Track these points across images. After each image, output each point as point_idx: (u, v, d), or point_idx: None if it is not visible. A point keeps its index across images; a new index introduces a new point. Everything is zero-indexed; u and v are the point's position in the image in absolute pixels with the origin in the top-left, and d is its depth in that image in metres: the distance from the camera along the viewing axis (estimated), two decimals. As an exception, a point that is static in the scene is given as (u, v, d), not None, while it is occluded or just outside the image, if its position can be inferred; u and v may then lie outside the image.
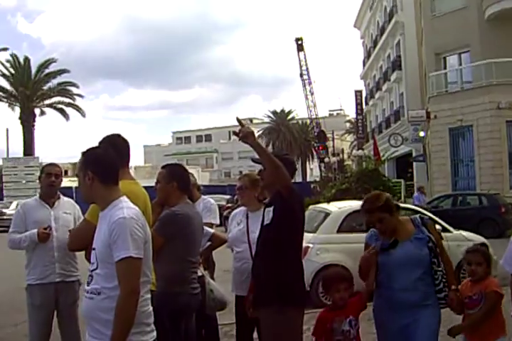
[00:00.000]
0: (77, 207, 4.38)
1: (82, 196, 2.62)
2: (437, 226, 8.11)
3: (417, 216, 3.48)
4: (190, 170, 4.94)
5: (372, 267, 3.28)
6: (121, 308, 2.30)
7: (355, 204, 8.93)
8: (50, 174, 4.21)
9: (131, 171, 4.39)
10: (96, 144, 3.17)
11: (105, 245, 2.38)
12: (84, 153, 2.64)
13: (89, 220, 3.02)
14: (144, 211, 3.05)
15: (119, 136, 3.42)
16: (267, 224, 3.32)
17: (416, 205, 13.65)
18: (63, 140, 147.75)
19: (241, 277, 4.03)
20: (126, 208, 2.45)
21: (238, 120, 3.19)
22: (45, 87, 37.90)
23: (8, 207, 23.97)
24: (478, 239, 8.71)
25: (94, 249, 2.47)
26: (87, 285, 2.46)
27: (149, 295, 2.52)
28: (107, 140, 3.35)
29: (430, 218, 8.29)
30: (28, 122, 36.42)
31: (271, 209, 3.31)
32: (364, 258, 3.33)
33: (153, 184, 3.86)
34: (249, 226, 4.17)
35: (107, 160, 2.58)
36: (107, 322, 2.33)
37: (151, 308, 2.51)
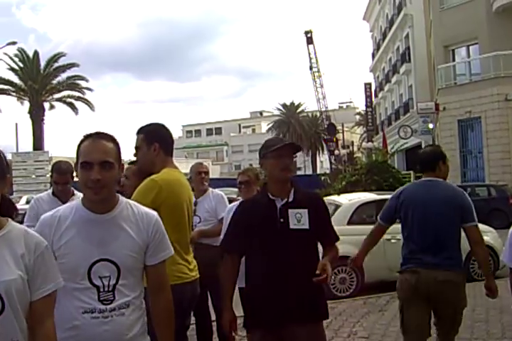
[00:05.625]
0: None
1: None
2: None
3: None
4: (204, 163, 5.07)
5: None
6: (171, 308, 2.15)
7: (366, 196, 9.07)
8: (64, 175, 4.06)
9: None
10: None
11: (138, 249, 2.06)
12: None
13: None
14: (189, 200, 3.14)
15: (163, 126, 3.18)
16: (302, 228, 2.79)
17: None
18: (73, 134, 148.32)
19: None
20: (140, 205, 2.19)
21: None
22: (54, 81, 38.02)
23: (18, 202, 24.04)
24: (488, 229, 8.80)
25: (106, 259, 2.00)
26: (107, 304, 1.99)
27: None
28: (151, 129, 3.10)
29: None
30: (37, 116, 36.52)
31: (305, 211, 2.80)
32: None
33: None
34: None
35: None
36: (135, 336, 2.04)
37: None
